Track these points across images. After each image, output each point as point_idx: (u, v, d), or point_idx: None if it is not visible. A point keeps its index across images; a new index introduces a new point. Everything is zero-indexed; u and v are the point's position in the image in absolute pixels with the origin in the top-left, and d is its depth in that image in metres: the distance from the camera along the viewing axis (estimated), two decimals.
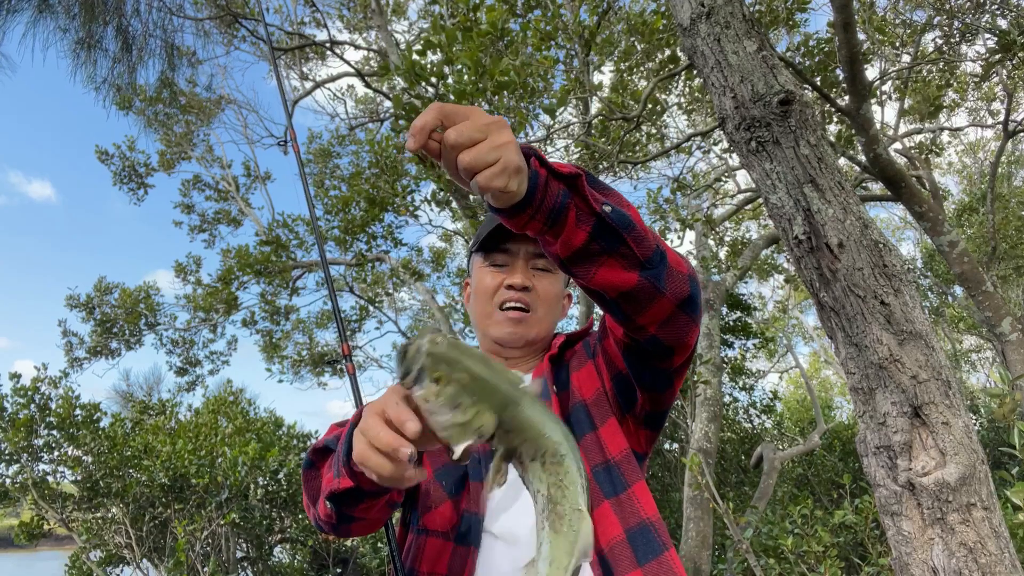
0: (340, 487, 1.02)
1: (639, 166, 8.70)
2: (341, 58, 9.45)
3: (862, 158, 5.92)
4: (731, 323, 9.77)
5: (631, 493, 1.17)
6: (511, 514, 1.19)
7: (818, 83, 5.82)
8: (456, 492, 1.22)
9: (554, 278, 1.41)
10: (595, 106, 6.78)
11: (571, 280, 1.57)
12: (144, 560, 6.62)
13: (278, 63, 10.91)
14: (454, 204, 7.55)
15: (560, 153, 7.24)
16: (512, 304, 1.37)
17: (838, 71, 6.04)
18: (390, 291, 12.12)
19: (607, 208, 0.93)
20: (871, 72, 7.05)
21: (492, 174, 0.81)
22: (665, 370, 1.16)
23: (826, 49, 6.30)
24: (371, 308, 12.13)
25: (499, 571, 1.14)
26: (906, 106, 8.80)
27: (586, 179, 0.96)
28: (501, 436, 0.78)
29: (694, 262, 8.59)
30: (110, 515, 6.76)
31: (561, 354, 1.38)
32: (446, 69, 4.74)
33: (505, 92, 4.73)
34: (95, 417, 6.94)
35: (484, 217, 1.48)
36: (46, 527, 6.80)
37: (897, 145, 8.88)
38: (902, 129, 9.10)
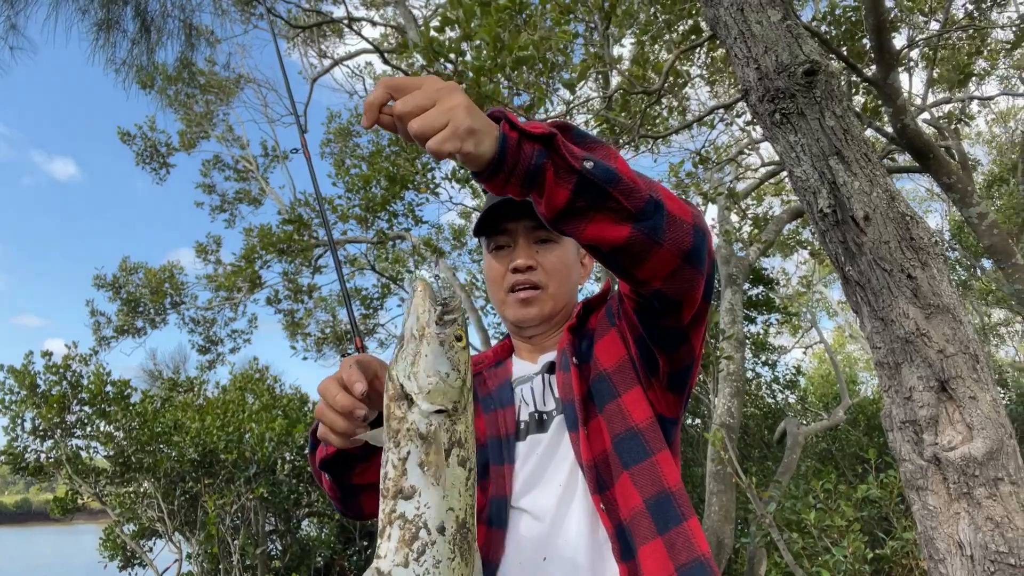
0: (328, 453, 1.11)
1: (660, 140, 8.60)
2: (359, 35, 9.42)
3: (889, 129, 5.80)
4: (754, 298, 9.69)
5: (654, 462, 1.16)
6: (538, 490, 1.21)
7: (844, 53, 5.69)
8: (481, 477, 1.24)
9: (561, 247, 1.39)
10: (615, 80, 6.70)
11: None
12: (176, 533, 6.78)
13: (297, 50, 10.90)
14: (474, 181, 7.54)
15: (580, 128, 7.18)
16: (520, 286, 1.37)
17: (865, 40, 5.91)
18: (411, 269, 12.16)
19: (588, 164, 0.91)
20: (899, 40, 6.89)
21: (442, 138, 0.82)
22: (675, 327, 1.12)
23: (853, 17, 6.16)
24: (392, 286, 12.20)
25: (527, 545, 1.17)
26: (935, 75, 8.59)
27: (570, 134, 0.95)
28: (448, 418, 0.82)
29: (716, 237, 8.52)
30: (142, 489, 6.92)
31: (582, 323, 1.37)
32: (464, 45, 4.71)
33: (524, 67, 4.69)
34: (126, 393, 7.08)
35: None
36: (80, 501, 6.99)
37: (925, 115, 8.67)
38: (930, 99, 8.89)
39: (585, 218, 0.95)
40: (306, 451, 7.40)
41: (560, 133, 0.92)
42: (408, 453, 0.78)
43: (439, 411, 0.80)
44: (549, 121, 0.96)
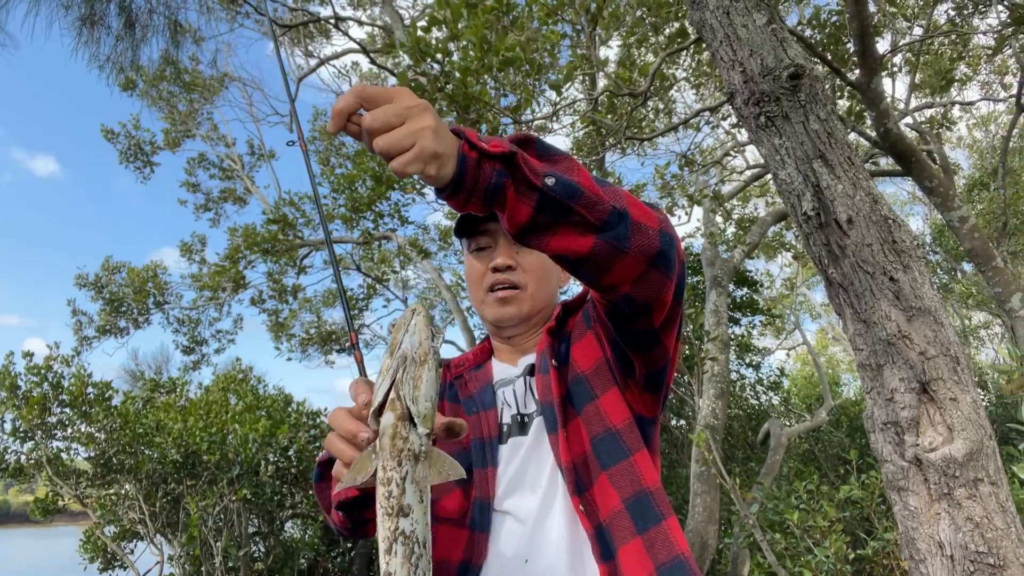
0: (347, 496, 1.08)
1: (646, 142, 8.64)
2: (346, 34, 9.38)
3: (872, 133, 5.85)
4: (738, 299, 9.74)
5: (632, 462, 1.17)
6: (521, 492, 1.21)
7: (828, 57, 5.74)
8: (465, 481, 1.23)
9: None
10: (602, 82, 6.72)
11: None
12: (158, 535, 6.72)
13: (282, 51, 10.84)
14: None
15: (566, 130, 7.19)
16: (500, 285, 1.37)
17: (849, 45, 5.96)
18: (397, 269, 12.13)
19: (550, 181, 0.91)
20: (882, 45, 6.96)
21: (406, 160, 0.83)
22: (646, 330, 1.12)
23: (837, 22, 6.21)
24: (378, 286, 12.17)
25: (509, 548, 1.17)
26: (917, 80, 8.68)
27: (533, 148, 0.95)
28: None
29: (700, 240, 8.57)
30: (123, 491, 6.85)
31: (561, 326, 1.37)
32: (451, 46, 4.70)
33: (511, 68, 4.69)
34: (107, 395, 7.00)
35: None
36: (61, 503, 6.90)
37: (908, 119, 8.77)
38: (913, 103, 8.99)
39: (548, 231, 0.95)
40: (290, 451, 7.39)
41: (522, 149, 0.92)
42: (407, 473, 0.81)
43: (428, 433, 0.84)
44: (511, 136, 0.96)
